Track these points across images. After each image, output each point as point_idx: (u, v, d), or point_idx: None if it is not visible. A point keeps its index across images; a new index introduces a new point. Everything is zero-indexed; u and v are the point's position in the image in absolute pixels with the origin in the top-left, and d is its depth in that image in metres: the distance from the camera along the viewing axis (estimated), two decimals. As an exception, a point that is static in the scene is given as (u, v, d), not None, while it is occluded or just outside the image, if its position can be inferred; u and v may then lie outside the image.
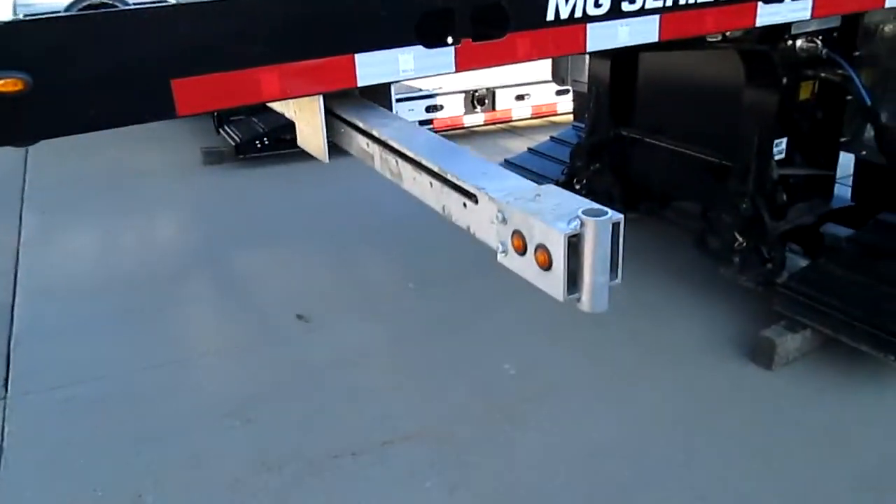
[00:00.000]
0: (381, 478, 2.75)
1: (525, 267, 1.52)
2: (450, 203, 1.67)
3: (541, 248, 1.43)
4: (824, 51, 3.48)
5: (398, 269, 4.45)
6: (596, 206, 1.43)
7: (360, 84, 1.53)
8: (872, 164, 3.74)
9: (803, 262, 3.77)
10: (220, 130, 6.55)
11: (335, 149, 2.08)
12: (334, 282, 4.30)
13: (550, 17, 1.70)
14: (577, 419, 3.05)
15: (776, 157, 3.72)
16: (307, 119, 1.86)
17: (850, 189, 3.99)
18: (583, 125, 4.92)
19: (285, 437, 2.96)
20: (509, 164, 5.24)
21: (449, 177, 1.62)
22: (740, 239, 3.75)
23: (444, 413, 3.10)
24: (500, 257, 1.67)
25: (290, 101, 2.11)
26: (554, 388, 3.25)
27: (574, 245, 1.40)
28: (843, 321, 3.29)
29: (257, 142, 6.17)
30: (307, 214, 5.31)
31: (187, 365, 3.49)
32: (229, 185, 6.01)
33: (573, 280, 1.44)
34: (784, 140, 3.74)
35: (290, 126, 6.36)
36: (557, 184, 4.56)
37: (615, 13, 1.79)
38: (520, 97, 7.22)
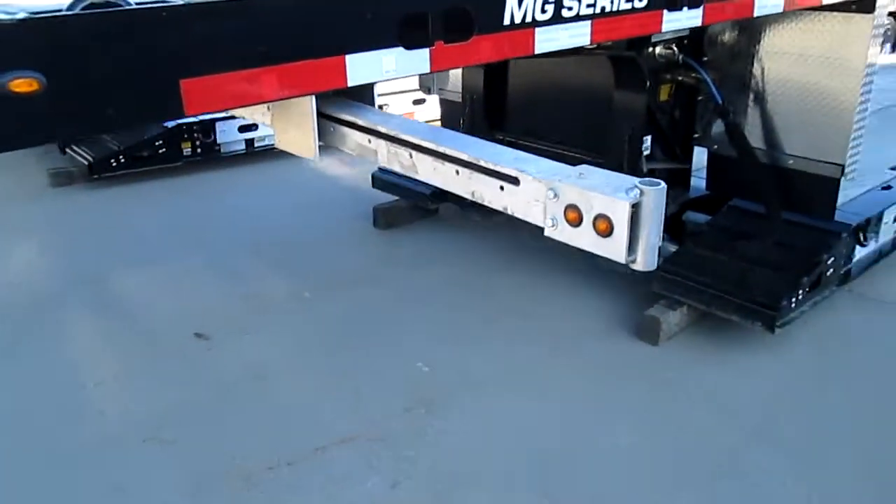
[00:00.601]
0: (321, 483, 2.76)
1: (579, 236, 1.69)
2: (481, 188, 1.76)
3: (601, 217, 1.60)
4: (680, 56, 3.89)
5: (289, 279, 4.41)
6: (637, 178, 1.64)
7: (349, 84, 1.58)
8: (723, 156, 4.22)
9: (672, 247, 4.16)
10: (67, 150, 6.12)
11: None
12: (226, 296, 4.19)
13: (507, 21, 1.84)
14: (496, 405, 3.21)
15: (644, 153, 4.10)
16: (292, 121, 1.87)
17: (703, 180, 4.46)
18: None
19: (213, 455, 2.88)
20: (384, 172, 5.33)
21: (482, 163, 1.71)
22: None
23: (369, 414, 3.15)
24: (548, 231, 1.83)
25: (270, 103, 2.09)
26: (469, 382, 3.39)
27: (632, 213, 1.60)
28: (714, 296, 3.69)
29: (112, 160, 5.83)
30: (181, 230, 5.12)
31: (84, 392, 3.28)
32: (87, 206, 5.64)
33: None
34: (649, 137, 4.14)
35: (146, 143, 6.08)
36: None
37: (557, 18, 1.96)
38: (379, 107, 7.32)
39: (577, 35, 2.04)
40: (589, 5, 2.03)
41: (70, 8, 1.27)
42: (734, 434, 3.03)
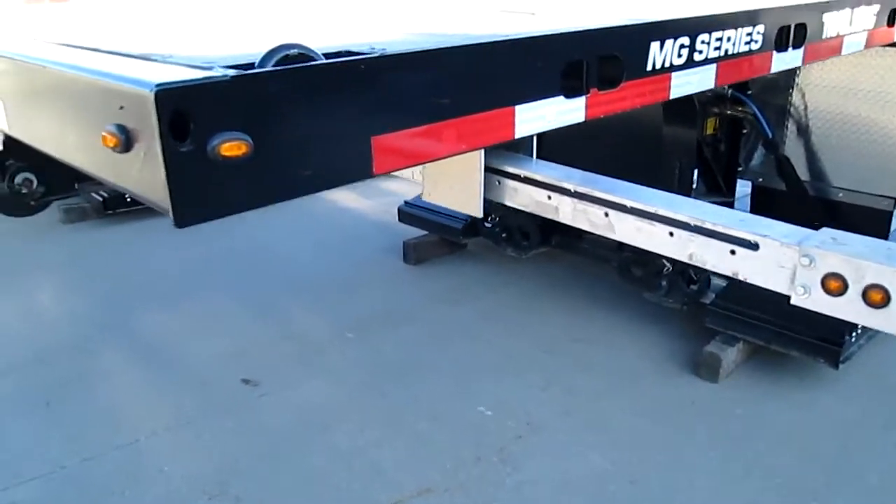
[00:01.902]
0: (407, 540, 2.63)
1: (841, 306, 1.60)
2: (704, 252, 1.68)
3: (875, 288, 1.52)
4: (729, 91, 3.88)
5: (328, 318, 4.29)
6: None
7: (516, 136, 1.50)
8: (768, 188, 4.21)
9: (721, 281, 4.12)
10: (77, 185, 5.93)
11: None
12: (266, 338, 4.05)
13: (649, 67, 1.78)
14: (568, 452, 3.12)
15: (693, 188, 4.07)
16: (453, 174, 1.78)
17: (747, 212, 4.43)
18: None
19: (287, 511, 2.75)
20: (411, 206, 5.24)
21: (709, 226, 1.63)
22: (668, 265, 4.03)
23: (439, 463, 3.04)
24: (796, 299, 1.74)
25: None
26: (534, 425, 3.29)
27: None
28: (774, 332, 3.64)
29: (127, 195, 5.65)
30: (204, 268, 4.97)
31: (138, 448, 3.13)
32: (103, 243, 5.46)
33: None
34: (696, 171, 4.11)
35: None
36: (470, 221, 4.69)
37: (689, 63, 1.91)
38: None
39: (705, 79, 1.99)
40: (715, 48, 1.98)
41: (263, 62, 1.16)
42: (817, 476, 2.96)
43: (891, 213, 3.86)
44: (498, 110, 1.45)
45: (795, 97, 4.12)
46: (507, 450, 3.14)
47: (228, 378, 3.63)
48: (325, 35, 1.67)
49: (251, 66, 1.17)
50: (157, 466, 3.01)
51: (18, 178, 1.79)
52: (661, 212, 1.74)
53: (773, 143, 3.91)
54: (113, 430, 3.23)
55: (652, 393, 3.55)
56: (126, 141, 1.12)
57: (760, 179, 4.25)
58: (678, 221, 1.73)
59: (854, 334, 3.58)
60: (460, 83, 1.37)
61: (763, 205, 4.34)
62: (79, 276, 4.91)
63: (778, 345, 3.63)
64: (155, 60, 1.27)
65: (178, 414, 3.36)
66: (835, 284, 1.67)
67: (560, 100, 1.58)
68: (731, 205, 4.43)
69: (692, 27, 1.88)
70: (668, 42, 1.80)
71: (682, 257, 1.75)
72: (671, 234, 1.74)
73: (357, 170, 1.27)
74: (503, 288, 4.58)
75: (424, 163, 1.36)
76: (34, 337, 3.98)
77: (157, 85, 1.00)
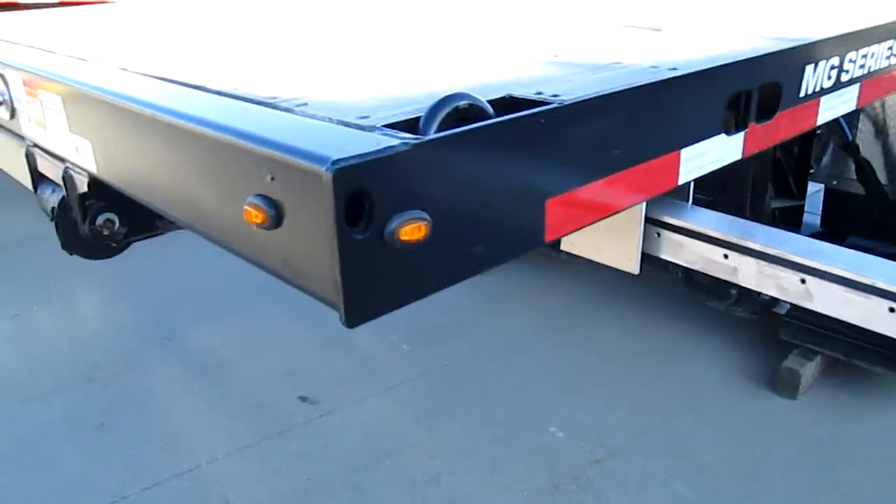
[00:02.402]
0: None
1: None
2: None
3: None
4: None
5: (378, 329, 4.12)
6: None
7: (679, 182, 1.33)
8: (841, 192, 4.00)
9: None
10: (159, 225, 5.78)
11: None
12: (318, 351, 3.90)
13: (801, 93, 1.60)
14: (650, 480, 2.96)
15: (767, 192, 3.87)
16: (604, 226, 1.61)
17: (816, 216, 4.24)
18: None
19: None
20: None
21: None
22: (739, 272, 3.84)
23: (517, 489, 2.89)
24: None
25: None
26: (609, 448, 3.14)
27: None
28: (856, 346, 3.46)
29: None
30: (247, 277, 4.79)
31: (200, 475, 2.99)
32: (140, 251, 5.29)
33: None
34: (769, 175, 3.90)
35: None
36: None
37: (836, 84, 1.72)
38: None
39: (848, 100, 1.80)
40: (860, 66, 1.79)
41: (431, 119, 0.99)
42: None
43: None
44: (666, 156, 1.28)
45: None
46: (584, 476, 2.99)
47: (285, 395, 3.48)
48: (452, 68, 1.48)
49: (412, 122, 1.00)
50: (222, 496, 2.88)
51: (100, 220, 1.62)
52: (880, 284, 1.56)
53: (853, 145, 3.70)
54: (171, 454, 3.10)
55: (728, 412, 3.38)
56: (276, 217, 0.95)
57: (835, 182, 4.04)
58: None
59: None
60: (635, 128, 1.20)
61: (836, 208, 4.15)
62: (122, 285, 4.77)
63: (859, 359, 3.45)
64: (288, 111, 1.10)
65: (238, 436, 3.22)
66: None
67: (721, 138, 1.40)
68: (801, 209, 4.23)
69: (844, 45, 1.69)
70: (822, 63, 1.62)
71: None
72: (891, 309, 1.55)
73: (529, 239, 1.10)
74: (553, 297, 4.41)
75: (592, 224, 1.19)
76: (80, 353, 3.85)
77: (335, 162, 0.83)
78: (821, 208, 4.20)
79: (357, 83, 1.33)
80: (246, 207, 0.97)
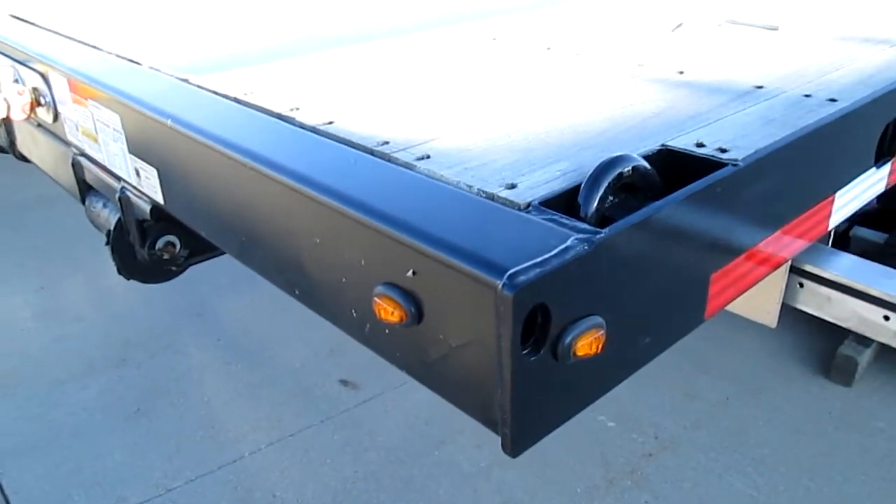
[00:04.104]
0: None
1: None
2: None
3: None
4: None
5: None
6: None
7: (830, 227, 1.17)
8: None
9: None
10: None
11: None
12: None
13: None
14: (704, 473, 2.88)
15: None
16: None
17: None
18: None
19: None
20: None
21: None
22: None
23: (571, 488, 2.80)
24: None
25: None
26: (663, 442, 3.05)
27: None
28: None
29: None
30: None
31: (243, 466, 2.91)
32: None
33: None
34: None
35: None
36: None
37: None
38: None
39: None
40: None
41: (593, 190, 0.83)
42: None
43: None
44: (821, 203, 1.12)
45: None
46: (639, 471, 2.91)
47: (326, 379, 3.39)
48: (567, 107, 1.28)
49: (568, 197, 0.84)
50: (268, 490, 2.81)
51: (160, 243, 1.48)
52: None
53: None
54: (213, 444, 3.02)
55: (783, 400, 3.28)
56: (415, 316, 0.80)
57: None
58: None
59: None
60: (796, 181, 1.04)
61: None
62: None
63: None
64: (408, 166, 0.94)
65: (280, 425, 3.13)
66: None
67: (871, 172, 1.24)
68: None
69: None
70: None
71: None
72: None
73: (690, 320, 0.96)
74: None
75: (748, 290, 1.04)
76: (113, 333, 3.74)
77: (512, 276, 0.68)
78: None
79: (478, 133, 1.13)
80: (377, 300, 0.83)
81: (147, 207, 1.42)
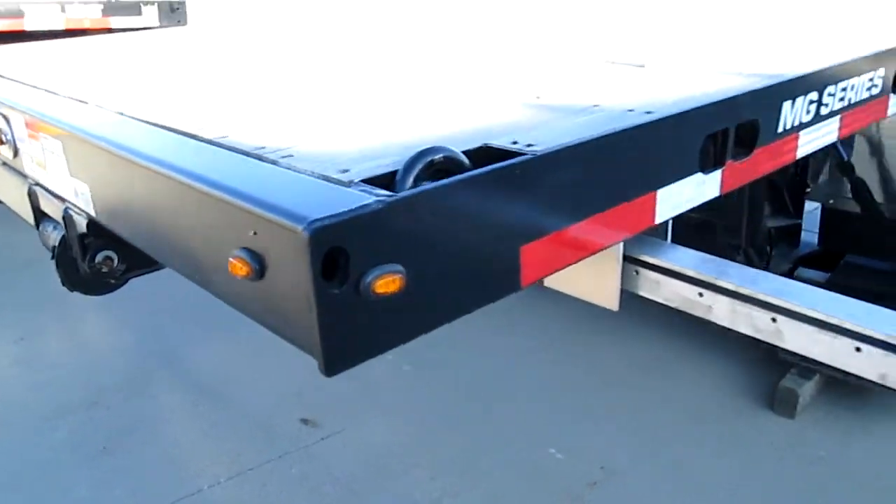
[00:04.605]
0: None
1: None
2: None
3: None
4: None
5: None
6: None
7: (657, 221, 1.37)
8: (838, 210, 4.02)
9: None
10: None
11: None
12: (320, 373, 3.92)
13: (780, 128, 1.64)
14: (642, 498, 2.98)
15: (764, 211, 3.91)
16: (584, 263, 1.65)
17: (814, 234, 4.26)
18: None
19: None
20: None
21: None
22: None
23: (516, 515, 2.91)
24: None
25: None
26: (608, 470, 3.16)
27: None
28: (854, 364, 3.47)
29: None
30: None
31: (202, 499, 3.03)
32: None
33: None
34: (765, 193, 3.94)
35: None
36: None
37: (816, 118, 1.76)
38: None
39: (829, 133, 1.84)
40: (840, 99, 1.83)
41: (407, 173, 1.03)
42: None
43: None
44: (642, 198, 1.32)
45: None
46: (581, 498, 3.01)
47: (288, 419, 3.52)
48: (434, 114, 1.53)
49: (388, 177, 1.04)
50: (223, 521, 2.91)
51: (99, 257, 1.67)
52: (848, 324, 1.60)
53: (849, 165, 3.73)
54: (174, 478, 3.14)
55: (727, 431, 3.40)
56: (259, 270, 0.99)
57: (831, 201, 4.07)
58: (870, 337, 1.58)
59: (940, 367, 3.40)
60: (609, 173, 1.24)
61: (833, 227, 4.17)
62: (127, 305, 4.82)
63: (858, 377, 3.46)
64: (275, 163, 1.15)
65: (240, 459, 3.26)
66: None
67: (698, 177, 1.44)
68: (798, 227, 4.27)
69: (824, 79, 1.73)
70: (799, 100, 1.66)
71: (872, 376, 1.60)
72: (858, 349, 1.59)
73: (505, 285, 1.15)
74: (557, 317, 4.43)
75: (568, 266, 1.23)
76: (87, 379, 3.90)
77: (312, 223, 0.87)
78: (818, 227, 4.23)
79: (340, 133, 1.38)
80: (230, 260, 1.02)
81: (84, 221, 1.63)
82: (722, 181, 1.50)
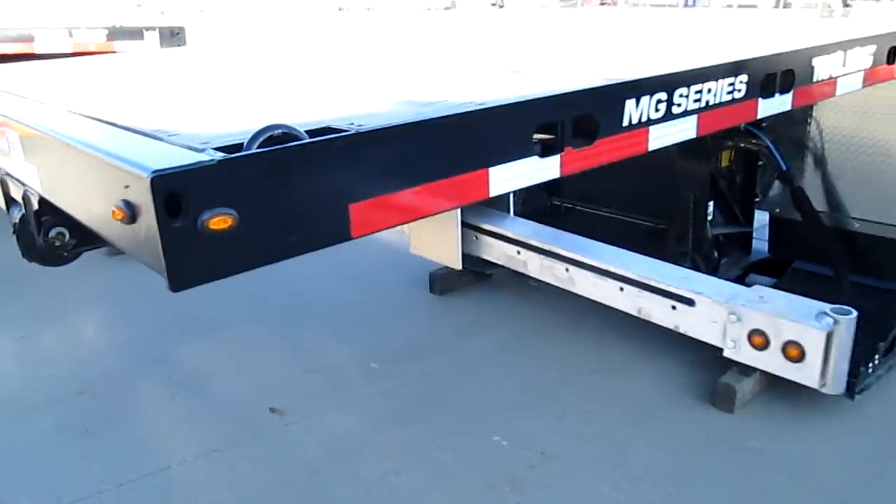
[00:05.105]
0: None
1: (764, 359, 1.75)
2: (650, 306, 1.80)
3: (792, 344, 1.66)
4: (742, 123, 3.95)
5: (355, 349, 4.44)
6: (827, 305, 1.72)
7: (491, 195, 1.64)
8: (784, 219, 4.25)
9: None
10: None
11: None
12: (294, 369, 4.22)
13: (626, 123, 1.90)
14: (581, 483, 3.20)
15: (708, 219, 4.14)
16: (434, 230, 1.93)
17: (765, 242, 4.48)
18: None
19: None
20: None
21: (653, 283, 1.75)
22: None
23: (452, 491, 3.15)
24: (727, 352, 1.89)
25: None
26: (549, 456, 3.38)
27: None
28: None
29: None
30: (234, 301, 5.17)
31: (169, 475, 3.31)
32: (144, 276, 5.71)
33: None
34: (711, 203, 4.18)
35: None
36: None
37: (668, 116, 2.02)
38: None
39: (685, 129, 2.10)
40: (695, 101, 2.09)
41: (250, 144, 1.32)
42: (826, 509, 2.99)
43: (907, 244, 3.87)
44: (472, 173, 1.59)
45: (812, 128, 4.17)
46: (518, 479, 3.24)
47: (258, 408, 3.80)
48: (317, 107, 1.83)
49: (240, 146, 1.33)
50: (186, 494, 3.19)
51: (52, 233, 1.98)
52: (612, 269, 1.84)
53: (787, 175, 3.96)
54: (146, 458, 3.42)
55: (667, 424, 3.61)
56: (132, 215, 1.29)
57: (778, 210, 4.30)
58: (626, 278, 1.82)
59: (871, 365, 3.59)
60: (433, 151, 1.52)
61: (780, 235, 4.39)
62: (120, 308, 5.17)
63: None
64: (161, 139, 1.44)
65: (209, 442, 3.54)
66: (758, 340, 1.79)
67: (535, 159, 1.71)
68: (749, 235, 4.48)
69: (669, 83, 1.99)
70: (644, 99, 1.92)
71: (632, 311, 1.83)
72: (621, 289, 1.84)
73: (337, 234, 1.43)
74: (524, 319, 4.66)
75: (400, 225, 1.50)
76: (78, 373, 4.22)
77: (153, 171, 1.17)
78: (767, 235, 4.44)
79: (228, 120, 1.69)
80: (113, 209, 1.32)
81: (36, 199, 1.94)
82: (561, 165, 1.77)
